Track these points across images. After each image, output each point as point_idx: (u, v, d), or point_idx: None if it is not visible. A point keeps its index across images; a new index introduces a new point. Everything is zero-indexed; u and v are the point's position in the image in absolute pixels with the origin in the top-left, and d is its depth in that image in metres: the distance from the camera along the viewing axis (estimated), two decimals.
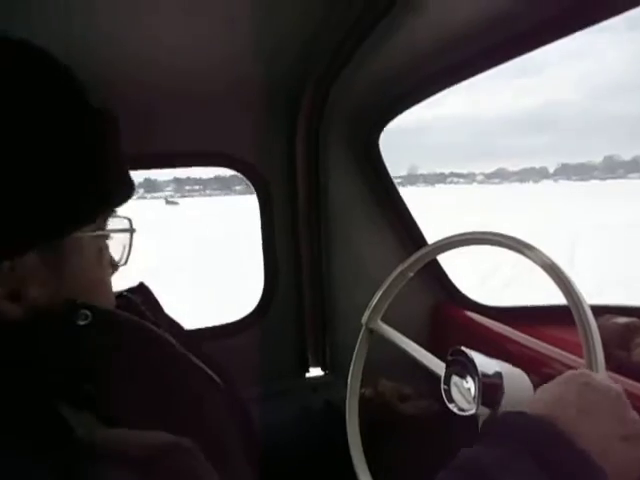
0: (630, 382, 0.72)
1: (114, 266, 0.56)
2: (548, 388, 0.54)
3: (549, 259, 0.62)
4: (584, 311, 0.57)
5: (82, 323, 0.44)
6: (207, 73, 1.00)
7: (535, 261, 0.63)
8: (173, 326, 0.66)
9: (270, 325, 1.29)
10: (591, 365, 0.55)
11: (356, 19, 0.77)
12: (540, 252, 0.64)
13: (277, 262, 1.26)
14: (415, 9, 0.72)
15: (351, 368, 0.91)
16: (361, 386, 0.92)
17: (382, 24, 0.75)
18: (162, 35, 0.82)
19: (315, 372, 1.35)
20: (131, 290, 0.66)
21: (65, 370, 0.40)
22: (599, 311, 0.75)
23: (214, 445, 0.46)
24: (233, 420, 0.58)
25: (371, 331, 0.89)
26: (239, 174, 1.21)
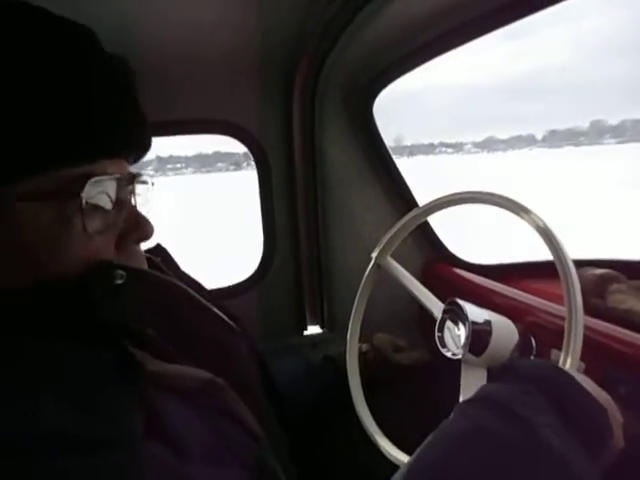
0: (606, 324, 0.80)
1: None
2: None
3: (542, 222, 0.66)
4: (569, 268, 0.63)
5: (119, 282, 0.48)
6: (204, 43, 1.01)
7: (529, 223, 0.68)
8: (192, 283, 0.71)
9: (269, 287, 1.35)
10: (571, 318, 0.61)
11: None
12: (534, 214, 0.67)
13: (275, 226, 1.31)
14: None
15: (355, 302, 0.94)
16: (358, 341, 0.97)
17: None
18: (160, 6, 0.84)
19: (313, 330, 1.43)
20: (149, 251, 0.69)
21: (119, 320, 0.45)
22: (579, 264, 0.82)
23: (240, 385, 0.51)
24: (252, 364, 0.64)
25: (379, 266, 0.91)
26: (233, 144, 1.24)
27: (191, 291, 0.58)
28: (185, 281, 0.65)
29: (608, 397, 0.58)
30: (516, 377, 0.53)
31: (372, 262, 0.93)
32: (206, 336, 0.56)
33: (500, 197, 0.73)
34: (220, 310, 0.65)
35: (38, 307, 0.42)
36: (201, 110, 1.17)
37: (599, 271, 0.95)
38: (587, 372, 0.74)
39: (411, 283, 0.88)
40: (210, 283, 1.26)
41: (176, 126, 1.18)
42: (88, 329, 0.42)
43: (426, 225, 1.32)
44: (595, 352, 0.74)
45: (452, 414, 0.52)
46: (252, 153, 1.24)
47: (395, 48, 1.06)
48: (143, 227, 0.53)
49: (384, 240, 0.91)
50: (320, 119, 1.19)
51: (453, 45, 0.97)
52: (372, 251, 0.93)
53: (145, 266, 0.57)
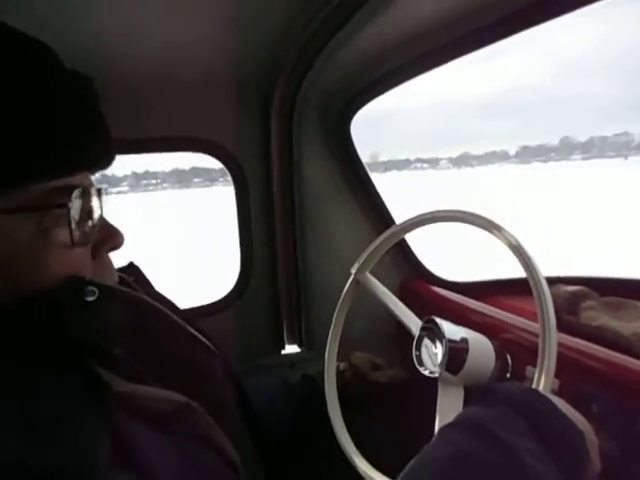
0: (579, 341, 0.81)
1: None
2: None
3: (514, 239, 0.68)
4: (542, 286, 0.63)
5: (90, 299, 0.47)
6: (182, 60, 1.01)
7: (502, 241, 0.69)
8: (166, 302, 0.69)
9: (246, 306, 1.33)
10: (544, 335, 0.62)
11: (329, 14, 0.81)
12: (507, 232, 0.69)
13: (253, 244, 1.30)
14: (384, 4, 0.77)
15: (334, 317, 0.94)
16: (336, 360, 0.97)
17: (353, 18, 0.79)
18: (139, 23, 0.84)
19: (291, 349, 1.41)
20: (121, 269, 0.68)
21: (87, 338, 0.44)
22: (552, 281, 0.83)
23: (215, 408, 0.50)
24: (228, 386, 0.63)
25: (358, 282, 0.92)
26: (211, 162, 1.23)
27: (165, 310, 0.57)
28: (158, 300, 0.64)
29: (584, 419, 0.59)
30: (496, 400, 0.53)
31: (351, 278, 0.93)
32: (180, 356, 0.54)
33: (474, 215, 0.74)
34: (195, 330, 0.63)
35: (6, 324, 0.41)
36: (179, 128, 1.17)
37: (572, 288, 0.97)
38: (561, 389, 0.75)
39: (390, 300, 0.88)
40: (185, 302, 1.25)
41: (154, 144, 1.17)
42: (55, 348, 0.41)
43: (403, 243, 1.33)
44: (569, 369, 0.75)
45: (434, 438, 0.52)
46: (230, 171, 1.24)
47: (370, 70, 1.08)
48: (114, 236, 0.53)
49: (363, 256, 0.91)
50: (298, 138, 1.20)
51: (427, 68, 1.00)
52: (350, 268, 0.93)
53: (116, 276, 0.56)
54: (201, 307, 1.30)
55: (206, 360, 0.59)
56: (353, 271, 0.92)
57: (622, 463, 0.67)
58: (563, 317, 0.91)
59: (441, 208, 0.82)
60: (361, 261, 0.92)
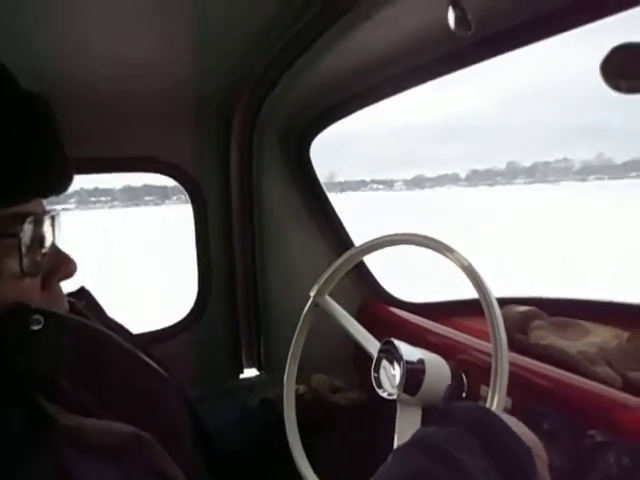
0: (529, 360, 0.84)
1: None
2: None
3: (467, 261, 0.70)
4: (493, 306, 0.66)
5: (35, 328, 0.45)
6: (139, 79, 1.00)
7: (455, 262, 0.71)
8: (118, 328, 0.67)
9: (204, 329, 1.30)
10: (496, 356, 0.64)
11: (290, 38, 0.83)
12: (460, 254, 0.71)
13: (211, 266, 1.28)
14: (345, 33, 0.79)
15: (293, 340, 0.94)
16: (295, 383, 0.96)
17: (315, 44, 0.81)
18: (94, 43, 0.83)
19: (250, 372, 1.39)
20: (72, 294, 0.66)
21: (32, 369, 0.42)
22: (504, 302, 0.86)
23: (168, 437, 0.49)
24: (184, 415, 0.61)
25: (317, 305, 0.92)
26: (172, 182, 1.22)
27: (116, 337, 0.55)
28: (110, 326, 0.62)
29: (534, 437, 0.61)
30: (450, 420, 0.54)
31: (310, 301, 0.93)
32: (130, 385, 0.53)
33: (429, 239, 0.76)
34: (148, 356, 0.61)
35: None
36: (137, 148, 1.15)
37: (522, 308, 1.01)
38: (514, 407, 0.77)
39: (348, 322, 0.89)
40: (139, 327, 1.21)
41: (110, 163, 1.15)
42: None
43: (362, 265, 1.34)
44: (521, 388, 0.78)
45: (389, 458, 0.52)
46: (188, 192, 1.23)
47: (330, 95, 1.10)
48: (66, 265, 0.52)
49: (322, 279, 0.92)
50: (258, 160, 1.21)
51: (385, 95, 1.03)
52: (310, 290, 0.93)
53: (66, 304, 0.54)
54: (156, 331, 1.27)
55: (158, 387, 0.58)
56: (312, 294, 0.92)
57: (572, 478, 0.69)
58: (514, 336, 0.95)
59: (398, 232, 0.84)
60: (320, 283, 0.92)
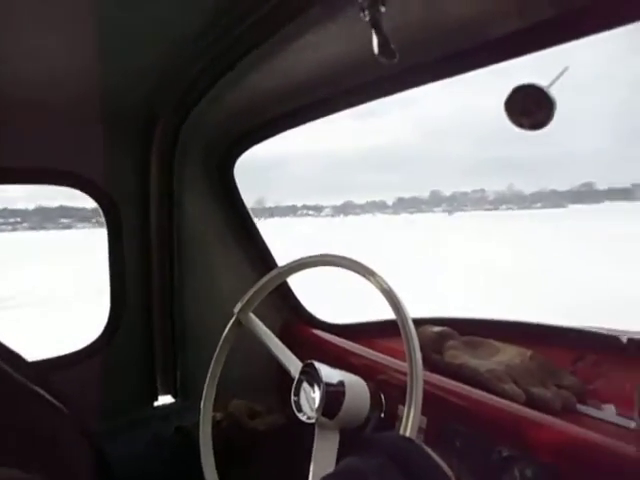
0: (443, 379, 0.87)
1: None
2: None
3: (386, 284, 0.72)
4: (409, 327, 0.68)
5: None
6: (53, 89, 0.94)
7: (375, 285, 0.73)
8: (9, 355, 0.61)
9: (115, 354, 1.22)
10: (412, 376, 0.65)
11: (216, 55, 0.82)
12: (380, 277, 0.73)
13: (125, 288, 1.21)
14: (271, 54, 0.80)
15: (213, 359, 0.91)
16: (213, 409, 0.92)
17: (240, 63, 0.81)
18: (5, 48, 0.77)
19: (164, 400, 1.31)
20: None
21: None
22: (419, 322, 0.89)
23: (62, 476, 0.44)
24: (82, 449, 0.56)
25: (240, 322, 0.90)
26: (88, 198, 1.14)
27: (3, 366, 0.49)
28: (0, 354, 0.56)
29: (445, 466, 0.63)
30: (373, 451, 0.55)
31: (234, 318, 0.91)
32: (17, 423, 0.47)
33: (351, 261, 0.78)
34: (46, 387, 0.56)
35: None
36: (47, 159, 1.07)
37: (437, 329, 1.05)
38: (428, 426, 0.79)
39: (271, 341, 0.88)
40: (42, 352, 1.11)
41: (18, 174, 1.06)
42: None
43: (285, 286, 1.33)
44: (435, 406, 0.80)
45: None
46: (102, 208, 1.15)
47: (255, 115, 1.10)
48: None
49: (247, 296, 0.91)
50: (179, 177, 1.17)
51: (309, 118, 1.05)
52: (230, 310, 0.91)
53: None
54: (60, 357, 1.16)
55: (53, 423, 0.52)
56: (236, 310, 0.91)
57: None
58: (430, 356, 0.98)
59: (324, 252, 0.85)
60: (244, 301, 0.91)
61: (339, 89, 0.95)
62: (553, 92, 0.63)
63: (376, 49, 0.63)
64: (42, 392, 0.54)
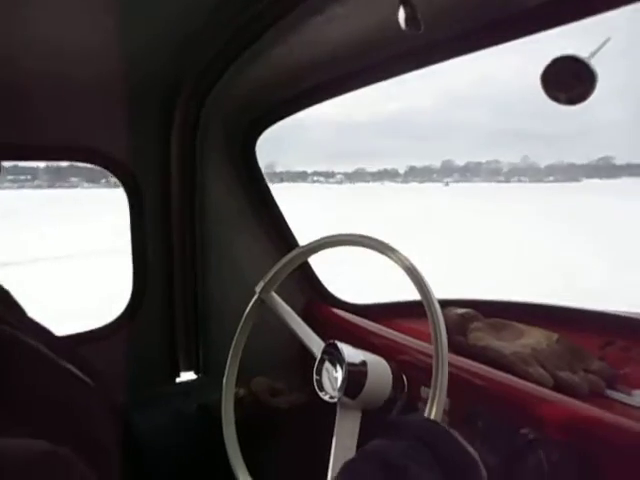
0: (467, 361, 0.86)
1: None
2: None
3: (409, 261, 0.71)
4: (435, 309, 0.67)
5: None
6: (77, 66, 0.93)
7: (398, 264, 0.72)
8: (38, 330, 0.62)
9: (138, 330, 1.24)
10: (437, 358, 0.64)
11: (238, 28, 0.80)
12: (401, 254, 0.72)
13: (147, 262, 1.22)
14: (295, 25, 0.77)
15: (235, 337, 0.92)
16: (235, 386, 0.93)
17: (264, 35, 0.79)
18: (24, 22, 0.76)
19: (187, 376, 1.33)
20: None
21: None
22: (443, 304, 0.88)
23: (91, 450, 0.45)
24: (110, 423, 0.56)
25: (262, 301, 0.91)
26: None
27: (30, 341, 0.50)
28: (29, 328, 0.56)
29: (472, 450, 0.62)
30: (401, 433, 0.54)
31: (255, 296, 0.91)
32: (47, 395, 0.48)
33: (373, 239, 0.77)
34: (74, 361, 0.56)
35: None
36: (70, 136, 1.07)
37: (461, 310, 1.04)
38: (452, 408, 0.78)
39: (293, 320, 0.88)
40: (68, 327, 1.13)
41: (40, 151, 1.06)
42: None
43: (307, 266, 1.33)
44: (459, 388, 0.79)
45: (340, 471, 0.51)
46: (124, 185, 1.16)
47: (278, 90, 1.08)
48: None
49: (269, 275, 0.90)
50: (201, 155, 1.16)
51: (333, 94, 1.02)
52: (252, 288, 0.91)
53: None
54: (86, 332, 1.18)
55: (78, 396, 0.53)
56: (258, 289, 0.91)
57: (505, 475, 0.71)
58: (454, 338, 0.97)
59: (344, 232, 0.84)
60: (266, 280, 0.90)
61: (364, 64, 0.92)
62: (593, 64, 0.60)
63: (402, 21, 0.61)
64: (70, 366, 0.55)
